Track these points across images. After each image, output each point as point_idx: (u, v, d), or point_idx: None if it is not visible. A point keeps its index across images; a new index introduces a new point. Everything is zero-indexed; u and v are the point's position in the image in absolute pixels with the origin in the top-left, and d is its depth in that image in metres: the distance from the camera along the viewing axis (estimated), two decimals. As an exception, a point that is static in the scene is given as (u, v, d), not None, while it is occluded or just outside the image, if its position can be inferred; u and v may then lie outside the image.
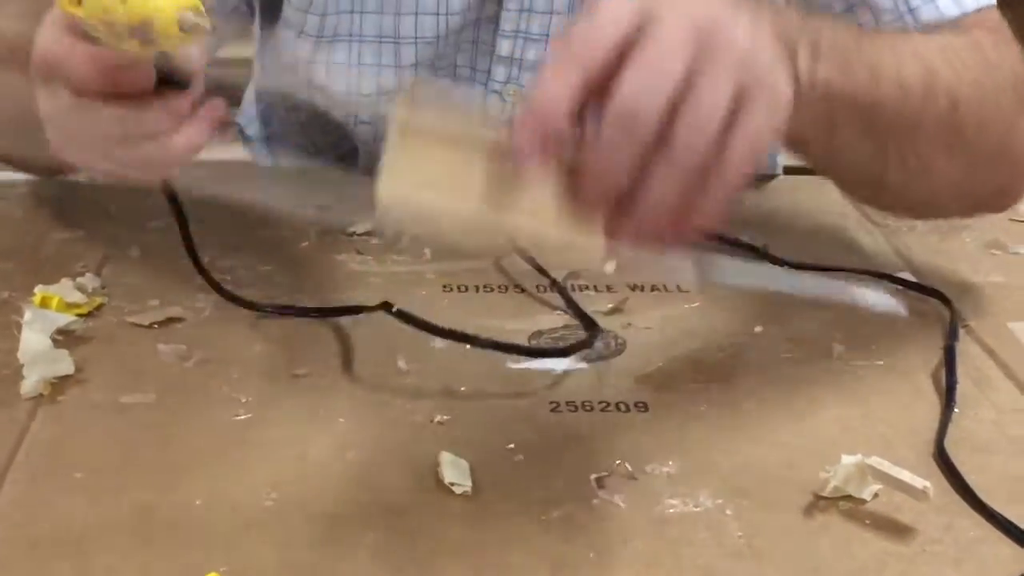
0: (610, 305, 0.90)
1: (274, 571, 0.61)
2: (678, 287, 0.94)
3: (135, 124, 0.70)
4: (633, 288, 0.94)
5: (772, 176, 1.18)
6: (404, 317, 0.81)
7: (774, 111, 0.60)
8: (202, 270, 0.87)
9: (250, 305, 0.85)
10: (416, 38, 1.00)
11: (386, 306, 0.82)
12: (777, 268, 0.92)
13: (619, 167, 0.56)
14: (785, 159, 1.19)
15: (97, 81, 0.68)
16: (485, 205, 0.58)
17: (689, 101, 0.56)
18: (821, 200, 1.15)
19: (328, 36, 0.99)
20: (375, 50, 1.00)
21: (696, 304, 0.91)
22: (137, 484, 0.67)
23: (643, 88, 0.55)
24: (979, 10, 0.92)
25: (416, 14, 0.99)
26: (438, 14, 0.99)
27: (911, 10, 0.92)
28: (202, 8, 0.66)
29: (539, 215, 0.59)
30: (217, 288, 0.86)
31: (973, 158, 0.85)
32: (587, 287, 0.92)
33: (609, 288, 0.93)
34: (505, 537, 0.64)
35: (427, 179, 0.58)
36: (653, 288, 0.94)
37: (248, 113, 1.22)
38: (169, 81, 0.70)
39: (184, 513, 0.65)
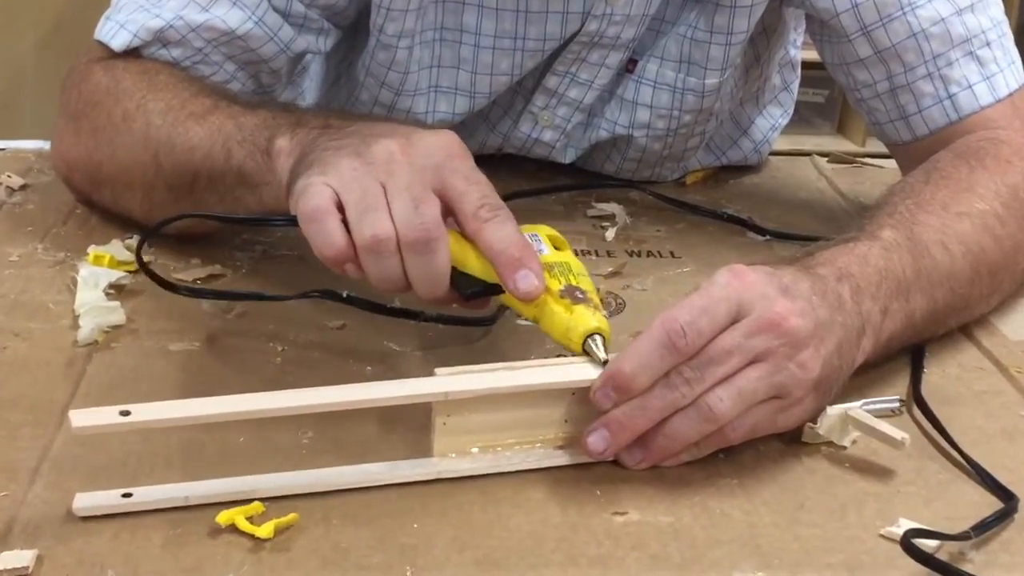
0: (610, 269, 0.91)
1: (306, 506, 0.61)
2: (671, 253, 0.95)
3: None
4: (631, 254, 0.95)
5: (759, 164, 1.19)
6: (353, 301, 0.79)
7: (787, 419, 0.67)
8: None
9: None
10: (491, 91, 1.00)
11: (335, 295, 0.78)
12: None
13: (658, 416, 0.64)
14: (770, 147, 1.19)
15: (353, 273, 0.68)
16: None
17: (734, 380, 0.64)
18: (800, 177, 1.17)
19: (409, 90, 0.99)
20: (450, 99, 1.00)
21: (688, 269, 0.92)
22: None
23: (705, 363, 0.63)
24: (1012, 95, 0.93)
25: (491, 75, 0.99)
26: (512, 74, 0.99)
27: (950, 96, 0.94)
28: (608, 338, 0.67)
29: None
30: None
31: (1010, 292, 0.87)
32: (589, 252, 0.94)
33: (609, 253, 0.95)
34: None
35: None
36: (648, 254, 0.96)
37: None
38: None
39: (228, 449, 0.65)
